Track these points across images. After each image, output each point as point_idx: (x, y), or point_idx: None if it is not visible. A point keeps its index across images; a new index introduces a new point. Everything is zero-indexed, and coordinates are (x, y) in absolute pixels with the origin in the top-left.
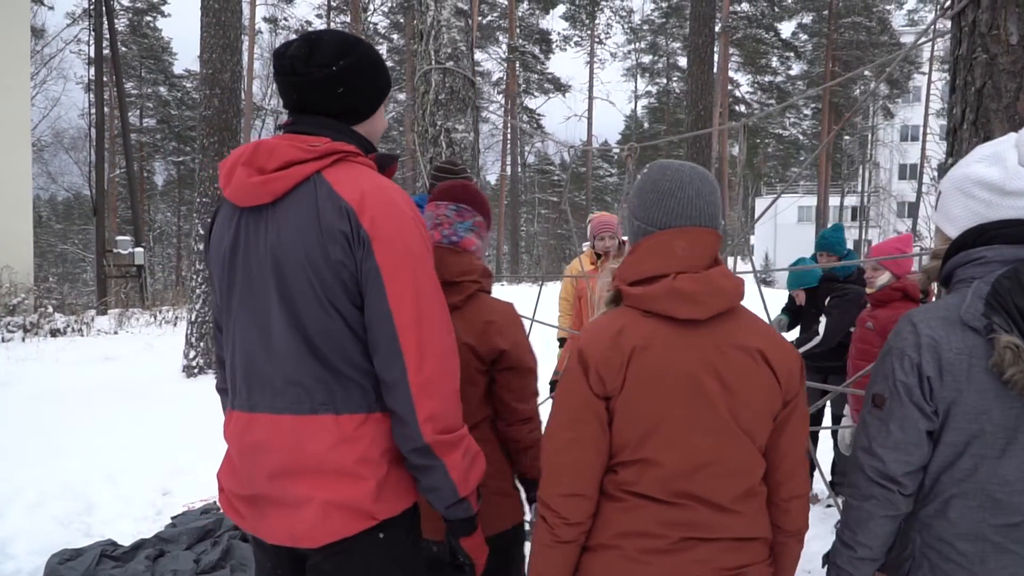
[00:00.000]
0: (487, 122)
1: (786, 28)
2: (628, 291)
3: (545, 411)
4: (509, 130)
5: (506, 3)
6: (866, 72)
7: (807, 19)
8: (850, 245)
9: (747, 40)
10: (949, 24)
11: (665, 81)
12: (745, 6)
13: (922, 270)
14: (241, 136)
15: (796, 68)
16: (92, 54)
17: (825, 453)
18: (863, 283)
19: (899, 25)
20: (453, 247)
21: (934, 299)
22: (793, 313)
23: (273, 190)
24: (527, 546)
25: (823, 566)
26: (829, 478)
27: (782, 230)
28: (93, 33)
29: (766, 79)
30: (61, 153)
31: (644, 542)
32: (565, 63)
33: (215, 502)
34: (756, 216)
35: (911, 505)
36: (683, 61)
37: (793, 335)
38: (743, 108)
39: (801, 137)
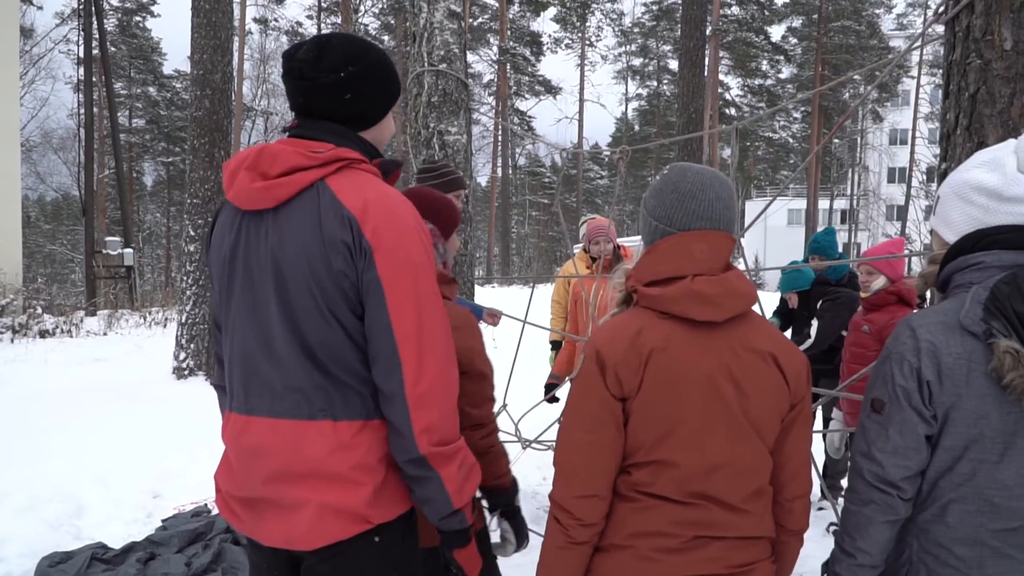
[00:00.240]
0: (478, 124)
1: (776, 32)
2: (645, 291)
3: (542, 413)
4: (500, 132)
5: (497, 5)
6: (856, 76)
7: (797, 23)
8: (840, 248)
9: (737, 43)
10: (939, 28)
11: (656, 84)
12: (735, 9)
13: (920, 275)
14: (232, 137)
15: (786, 71)
16: (81, 54)
17: (817, 455)
18: (855, 286)
19: (888, 29)
20: None
21: (927, 305)
22: (784, 316)
23: (276, 196)
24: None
25: (822, 574)
26: (820, 480)
27: (772, 233)
28: (82, 33)
29: (756, 82)
30: (50, 153)
31: (658, 541)
32: (556, 65)
33: (206, 504)
34: (748, 221)
35: (911, 510)
36: (674, 64)
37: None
38: (733, 111)
39: (791, 140)
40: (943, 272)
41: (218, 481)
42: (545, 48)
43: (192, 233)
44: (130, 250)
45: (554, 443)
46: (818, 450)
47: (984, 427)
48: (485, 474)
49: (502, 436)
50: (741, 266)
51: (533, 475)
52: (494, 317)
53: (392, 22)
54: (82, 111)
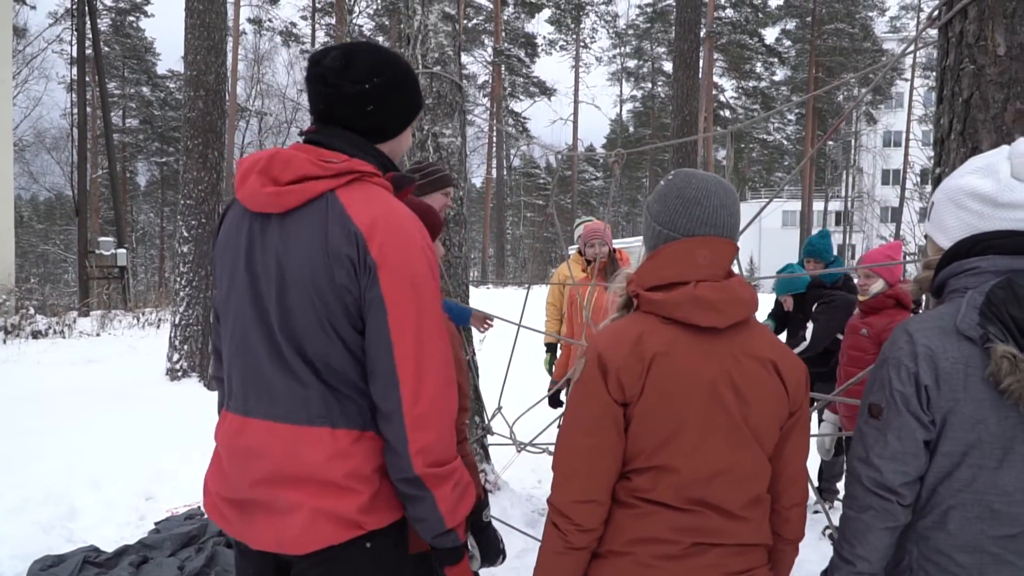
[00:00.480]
0: (473, 125)
1: (770, 34)
2: (647, 296)
3: (537, 416)
4: (495, 133)
5: (491, 7)
6: (851, 79)
7: (791, 25)
8: (835, 251)
9: (731, 45)
10: (934, 32)
11: (650, 85)
12: (730, 12)
13: (914, 280)
14: (225, 138)
15: (780, 73)
16: (75, 54)
17: (812, 459)
18: (850, 289)
19: (881, 32)
20: None
21: (922, 309)
22: (779, 319)
23: (284, 203)
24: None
25: None
26: (815, 484)
27: (766, 234)
28: (76, 33)
29: (750, 84)
30: (43, 153)
31: (657, 548)
32: (550, 67)
33: (199, 507)
34: (743, 223)
35: (910, 516)
36: (668, 66)
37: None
38: (728, 113)
39: (785, 142)
40: (938, 277)
41: (208, 482)
42: (540, 50)
43: (186, 234)
44: (123, 250)
45: (549, 446)
46: (812, 454)
47: (982, 432)
48: None
49: (498, 439)
50: (735, 270)
51: (528, 478)
52: (482, 322)
53: (387, 23)
54: (75, 111)
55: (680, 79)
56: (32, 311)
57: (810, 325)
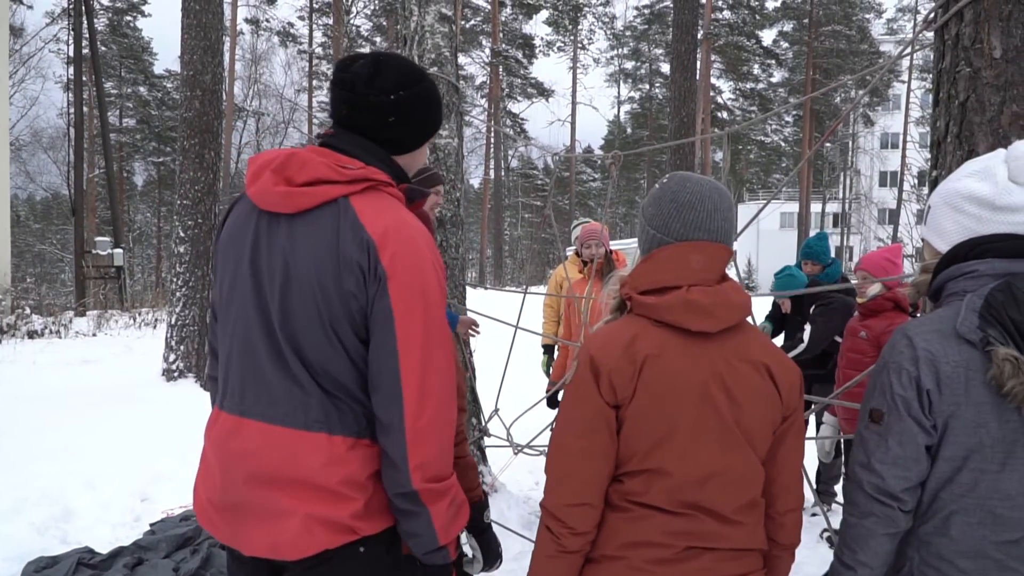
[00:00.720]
0: (470, 126)
1: (767, 36)
2: (640, 299)
3: (534, 418)
4: (492, 134)
5: (489, 7)
6: (848, 81)
7: (788, 27)
8: (832, 252)
9: (729, 47)
10: (931, 35)
11: (648, 87)
12: (727, 13)
13: (912, 284)
14: (222, 138)
15: (777, 75)
16: (71, 53)
17: (810, 461)
18: (848, 291)
19: (878, 34)
20: None
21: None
22: (776, 321)
23: (296, 204)
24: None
25: None
26: (813, 486)
27: (764, 236)
28: (72, 32)
29: (748, 86)
30: (39, 152)
31: (650, 552)
32: (548, 68)
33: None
34: (740, 225)
35: (911, 522)
36: (666, 67)
37: (777, 343)
38: (725, 115)
39: (783, 144)
40: (936, 281)
41: (198, 488)
42: (537, 51)
43: (182, 234)
44: (120, 250)
45: (547, 448)
46: (810, 456)
47: (983, 436)
48: None
49: (495, 440)
50: (733, 271)
51: (525, 480)
52: (469, 327)
53: (384, 24)
54: (72, 110)
55: (678, 81)
56: (28, 311)
57: (808, 327)
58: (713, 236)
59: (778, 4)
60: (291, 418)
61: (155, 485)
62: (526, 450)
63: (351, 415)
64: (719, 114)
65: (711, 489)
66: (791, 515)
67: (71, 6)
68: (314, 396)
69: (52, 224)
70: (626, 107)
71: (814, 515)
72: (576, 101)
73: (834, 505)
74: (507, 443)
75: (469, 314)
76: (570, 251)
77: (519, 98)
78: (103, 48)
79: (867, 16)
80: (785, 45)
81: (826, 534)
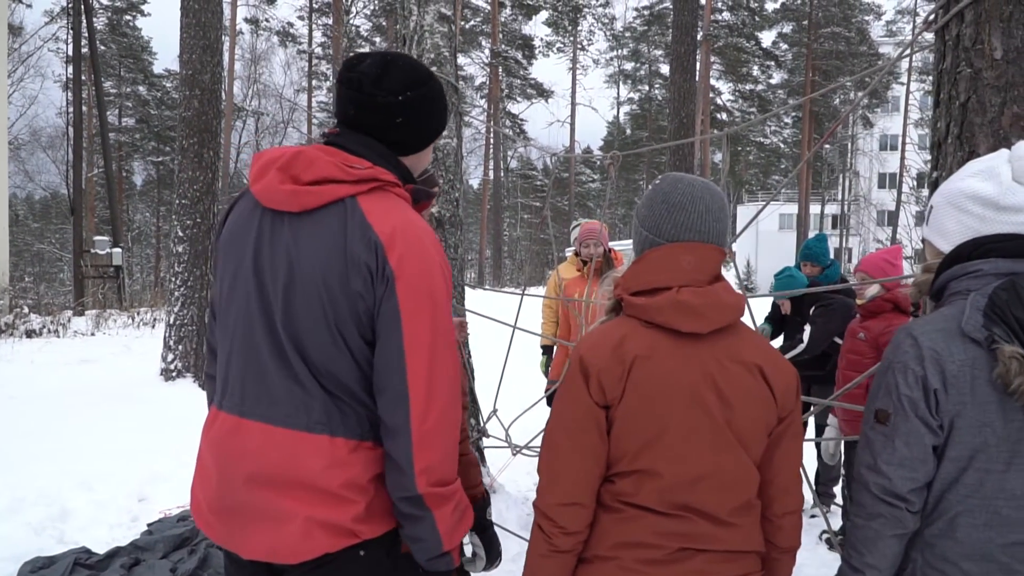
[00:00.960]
0: (469, 126)
1: (767, 37)
2: (631, 301)
3: (532, 419)
4: (492, 135)
5: (489, 8)
6: (847, 83)
7: (787, 29)
8: (831, 254)
9: (728, 48)
10: (930, 36)
11: (647, 88)
12: (726, 15)
13: (913, 283)
14: (221, 137)
15: (776, 77)
16: (70, 52)
17: (808, 463)
18: (848, 292)
19: (877, 36)
20: None
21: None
22: (776, 322)
23: (303, 203)
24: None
25: None
26: (812, 488)
27: (763, 237)
28: (71, 31)
29: (747, 87)
30: (38, 152)
31: (642, 553)
32: (548, 69)
33: None
34: (739, 226)
35: (918, 523)
36: (665, 68)
37: (776, 344)
38: (724, 116)
39: (782, 145)
40: (938, 280)
41: (195, 490)
42: (537, 51)
43: (181, 234)
44: (119, 250)
45: None
46: (809, 458)
47: (988, 435)
48: None
49: (493, 441)
50: (732, 272)
51: (523, 481)
52: (458, 329)
53: (383, 24)
54: (71, 109)
55: (677, 82)
56: (27, 310)
57: (807, 328)
58: (704, 237)
59: (777, 6)
60: (292, 419)
61: (152, 485)
62: (524, 451)
63: (353, 417)
64: (718, 115)
65: (702, 491)
66: (789, 518)
67: (70, 5)
68: (316, 397)
69: (51, 223)
70: (625, 108)
71: (813, 516)
72: (575, 102)
73: (833, 507)
74: (505, 444)
75: (465, 315)
76: (569, 252)
77: (518, 99)
78: (102, 47)
79: (866, 18)
80: (784, 47)
81: (825, 536)
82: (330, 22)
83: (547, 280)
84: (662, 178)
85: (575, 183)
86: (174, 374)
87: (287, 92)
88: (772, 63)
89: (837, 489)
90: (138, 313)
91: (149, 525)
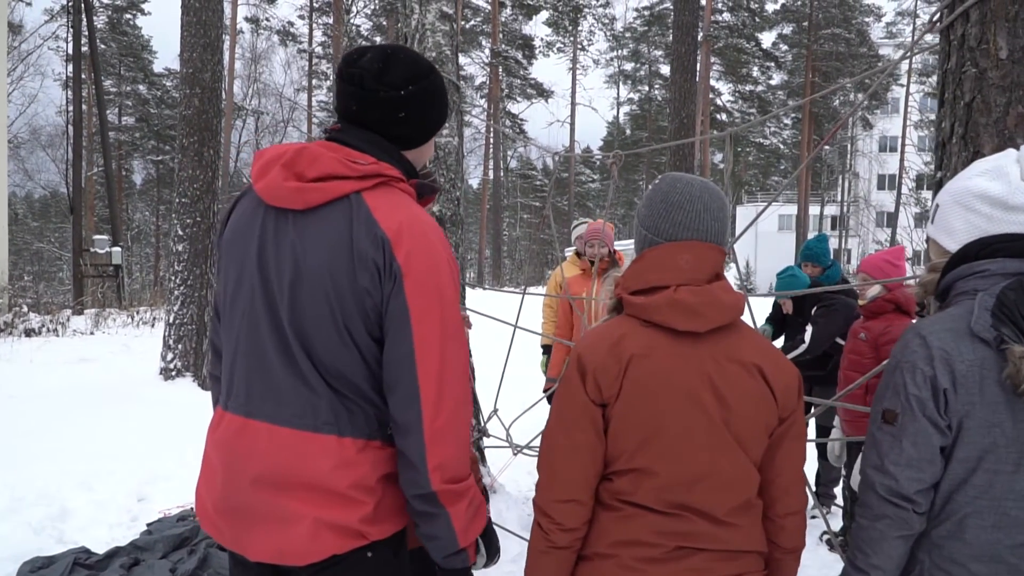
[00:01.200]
0: (469, 126)
1: (767, 38)
2: (629, 300)
3: (533, 419)
4: (492, 135)
5: (489, 8)
6: (848, 84)
7: (787, 30)
8: (832, 255)
9: (728, 49)
10: (930, 38)
11: (647, 88)
12: (726, 16)
13: (919, 283)
14: (221, 136)
15: (776, 78)
16: (70, 51)
17: (809, 463)
18: (850, 293)
19: (878, 37)
20: None
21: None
22: (777, 323)
23: (308, 200)
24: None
25: None
26: (813, 488)
27: (763, 238)
28: (71, 30)
29: (747, 88)
30: (38, 150)
31: (640, 551)
32: (548, 69)
33: (192, 508)
34: (739, 227)
35: (924, 524)
36: (665, 69)
37: (777, 344)
38: (725, 116)
39: (782, 146)
40: (944, 280)
41: (200, 491)
42: (537, 51)
43: (180, 232)
44: (118, 248)
45: None
46: (809, 458)
47: (998, 436)
48: None
49: (494, 441)
50: (733, 271)
51: (524, 481)
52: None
53: (384, 23)
54: (71, 108)
55: (677, 82)
56: (26, 309)
57: (809, 328)
58: (703, 236)
59: (778, 7)
60: (300, 419)
61: (152, 485)
62: (525, 451)
63: (361, 416)
64: (718, 116)
65: (700, 491)
66: (791, 518)
67: (70, 3)
68: (324, 396)
69: (50, 222)
70: (625, 108)
71: (813, 517)
72: (575, 102)
73: (833, 507)
74: (506, 444)
75: (466, 312)
76: (569, 251)
77: (518, 98)
78: (102, 46)
79: (866, 20)
80: (784, 48)
81: (825, 536)
82: (330, 21)
83: (547, 280)
84: (662, 178)
85: (575, 183)
86: (174, 373)
87: (287, 91)
88: (772, 64)
89: (837, 490)
90: (137, 312)
91: (149, 525)
